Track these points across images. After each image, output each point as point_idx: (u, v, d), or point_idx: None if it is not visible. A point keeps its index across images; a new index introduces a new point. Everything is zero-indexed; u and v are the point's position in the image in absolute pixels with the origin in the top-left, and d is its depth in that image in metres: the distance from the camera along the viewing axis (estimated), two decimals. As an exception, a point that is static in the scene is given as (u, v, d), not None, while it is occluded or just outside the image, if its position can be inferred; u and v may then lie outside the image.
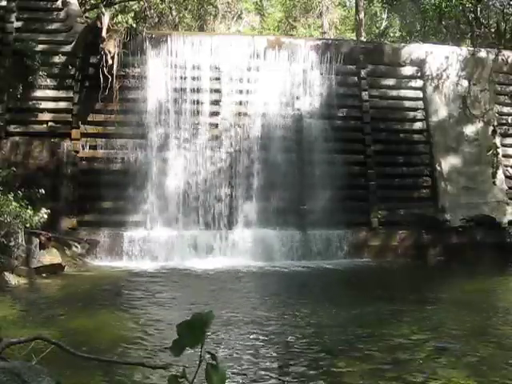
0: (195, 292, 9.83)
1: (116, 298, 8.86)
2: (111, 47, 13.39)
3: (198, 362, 1.60)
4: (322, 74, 14.54)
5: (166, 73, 13.94)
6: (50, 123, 13.56)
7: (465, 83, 15.05)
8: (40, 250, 10.71)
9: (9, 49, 13.50)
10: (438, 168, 14.54)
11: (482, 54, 15.42)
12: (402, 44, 16.94)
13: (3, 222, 10.01)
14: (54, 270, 10.65)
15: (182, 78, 14.03)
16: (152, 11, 23.91)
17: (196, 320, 1.57)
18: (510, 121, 15.41)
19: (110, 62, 13.29)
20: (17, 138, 13.22)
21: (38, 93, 13.51)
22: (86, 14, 17.85)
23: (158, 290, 9.74)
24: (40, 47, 13.51)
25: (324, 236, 13.45)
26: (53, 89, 13.64)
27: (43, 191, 11.15)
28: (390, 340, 6.49)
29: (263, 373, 5.40)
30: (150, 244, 12.74)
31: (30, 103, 13.47)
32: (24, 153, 13.06)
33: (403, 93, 15.06)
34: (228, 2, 27.39)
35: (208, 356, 1.60)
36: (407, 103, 15.10)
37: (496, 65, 15.28)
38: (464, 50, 15.63)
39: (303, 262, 12.74)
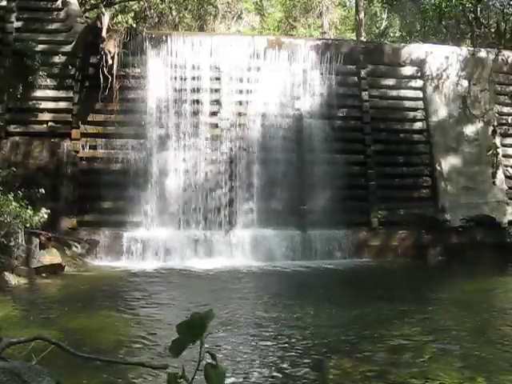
0: (195, 292, 9.82)
1: (116, 298, 8.85)
2: (111, 47, 13.39)
3: (197, 362, 1.60)
4: (321, 74, 14.53)
5: (166, 73, 13.94)
6: (50, 123, 13.55)
7: (465, 83, 15.05)
8: (40, 249, 10.71)
9: (9, 49, 13.50)
10: (438, 168, 14.54)
11: (482, 54, 15.42)
12: (402, 44, 16.93)
13: (3, 222, 10.01)
14: (54, 270, 10.65)
15: (181, 78, 14.02)
16: (152, 11, 23.91)
17: (195, 319, 1.56)
18: (510, 121, 15.41)
19: (110, 61, 13.28)
20: (17, 138, 13.22)
21: (38, 93, 13.51)
22: (86, 14, 17.84)
23: (157, 290, 9.75)
24: (40, 47, 13.51)
25: (324, 236, 13.45)
26: (53, 89, 13.64)
27: (43, 191, 11.15)
28: (391, 340, 6.48)
29: (263, 373, 5.40)
30: (150, 244, 12.74)
31: (30, 103, 13.47)
32: (24, 153, 13.05)
33: (403, 93, 15.06)
34: (228, 2, 27.39)
35: (207, 356, 1.59)
36: (407, 103, 15.10)
37: (496, 65, 15.28)
38: (464, 50, 15.63)
39: (303, 262, 12.73)
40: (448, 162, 14.58)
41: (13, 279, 9.65)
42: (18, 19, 13.76)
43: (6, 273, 9.63)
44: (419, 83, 15.06)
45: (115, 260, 12.36)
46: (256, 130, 14.06)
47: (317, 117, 14.37)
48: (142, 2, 22.32)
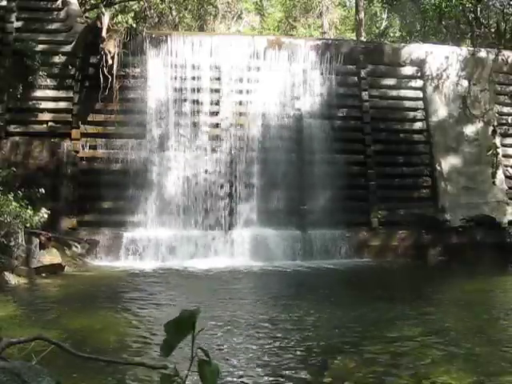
0: (195, 292, 9.82)
1: (116, 298, 8.85)
2: (111, 47, 13.39)
3: (193, 360, 1.60)
4: (322, 74, 14.54)
5: (166, 73, 13.95)
6: (50, 123, 13.56)
7: (465, 83, 15.05)
8: (40, 249, 10.71)
9: (9, 49, 13.51)
10: (438, 168, 14.54)
11: (482, 54, 15.42)
12: (402, 44, 16.94)
13: (3, 222, 10.01)
14: (54, 270, 10.66)
15: (181, 78, 14.03)
16: (152, 11, 23.91)
17: (182, 318, 1.56)
18: (510, 121, 15.42)
19: (110, 61, 13.29)
20: (17, 138, 13.22)
21: (38, 93, 13.51)
22: (86, 14, 17.84)
23: (157, 290, 9.75)
24: (40, 47, 13.51)
25: (324, 236, 13.45)
26: (53, 89, 13.64)
27: (43, 191, 11.16)
28: (391, 340, 6.48)
29: (263, 373, 5.40)
30: (150, 244, 12.74)
31: (30, 103, 13.48)
32: (24, 153, 13.06)
33: (403, 93, 15.06)
34: (228, 2, 27.39)
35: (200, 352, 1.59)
36: (407, 103, 15.11)
37: (496, 65, 15.28)
38: (464, 50, 15.63)
39: (303, 261, 12.73)
40: (448, 162, 14.58)
41: (13, 279, 9.65)
42: (18, 19, 13.77)
43: (5, 273, 9.64)
44: (419, 83, 15.07)
45: (115, 260, 12.36)
46: (256, 130, 14.06)
47: (317, 117, 14.38)
48: (142, 2, 22.33)
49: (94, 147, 13.63)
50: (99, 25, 13.50)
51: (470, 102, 14.84)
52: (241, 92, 14.24)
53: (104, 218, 13.06)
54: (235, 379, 5.16)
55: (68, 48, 13.80)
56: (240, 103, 14.23)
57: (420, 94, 15.06)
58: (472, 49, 15.90)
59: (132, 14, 21.50)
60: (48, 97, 13.57)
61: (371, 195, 14.22)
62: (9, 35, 13.59)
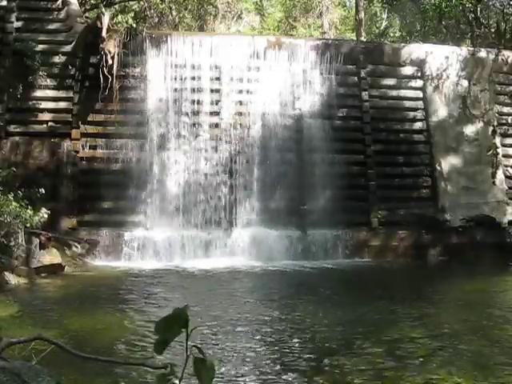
0: (195, 292, 9.82)
1: (116, 299, 8.85)
2: (111, 47, 13.39)
3: (185, 359, 1.60)
4: (321, 74, 14.54)
5: (166, 73, 13.95)
6: (50, 123, 13.55)
7: (465, 83, 15.05)
8: (40, 249, 10.71)
9: (9, 49, 13.50)
10: (438, 168, 14.54)
11: (482, 54, 15.42)
12: (402, 44, 16.93)
13: (3, 222, 10.00)
14: (54, 270, 10.65)
15: (181, 78, 14.03)
16: (152, 11, 23.91)
17: (171, 316, 1.56)
18: (510, 121, 15.41)
19: (110, 61, 13.28)
20: (17, 138, 13.22)
21: (38, 93, 13.51)
22: (86, 14, 17.83)
23: (157, 290, 9.74)
24: (40, 47, 13.51)
25: (324, 236, 13.45)
26: (53, 89, 13.64)
27: (43, 191, 11.15)
28: (391, 340, 6.49)
29: (263, 373, 5.40)
30: (150, 244, 12.74)
31: (30, 103, 13.47)
32: (24, 153, 13.05)
33: (403, 93, 15.06)
34: (228, 2, 27.38)
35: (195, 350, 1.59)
36: (407, 103, 15.10)
37: (496, 65, 15.28)
38: (464, 50, 15.63)
39: (303, 261, 12.72)
40: (448, 162, 14.58)
41: (13, 279, 9.65)
42: (18, 19, 13.76)
43: (6, 273, 9.64)
44: (419, 83, 15.07)
45: (115, 260, 12.35)
46: (256, 130, 14.06)
47: (317, 117, 14.37)
48: (142, 2, 22.32)
49: (94, 147, 13.63)
50: (99, 25, 13.50)
51: (470, 102, 14.84)
52: (241, 92, 14.23)
53: (104, 218, 13.05)
54: (235, 379, 5.16)
55: (68, 48, 13.80)
56: (240, 103, 14.23)
57: (420, 94, 15.06)
58: (472, 49, 15.90)
59: (132, 14, 21.49)
60: (48, 97, 13.57)
61: (371, 195, 14.22)
62: (9, 35, 13.58)
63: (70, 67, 13.74)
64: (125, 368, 5.22)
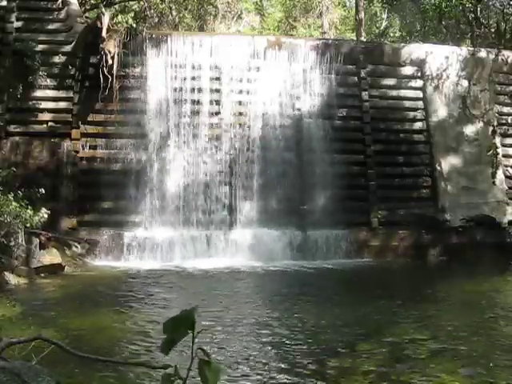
0: (195, 293, 9.82)
1: (116, 299, 8.85)
2: (111, 47, 13.39)
3: (190, 360, 1.60)
4: (321, 74, 14.54)
5: (166, 73, 13.94)
6: (50, 123, 13.55)
7: (465, 83, 15.04)
8: (40, 249, 10.71)
9: (9, 49, 13.50)
10: (438, 168, 14.54)
11: (482, 54, 15.42)
12: (402, 44, 16.93)
13: (3, 222, 10.00)
14: (54, 270, 10.65)
15: (182, 78, 14.03)
16: (152, 11, 23.90)
17: (180, 317, 1.57)
18: (509, 121, 15.41)
19: (110, 61, 13.28)
20: (17, 138, 13.22)
21: (38, 93, 13.50)
22: (86, 14, 17.84)
23: (157, 290, 9.75)
24: (40, 47, 13.50)
25: (324, 236, 13.44)
26: (53, 89, 13.64)
27: (43, 191, 11.15)
28: (391, 340, 6.48)
29: (264, 373, 5.40)
30: (150, 244, 12.73)
31: (30, 103, 13.47)
32: (24, 153, 13.05)
33: (403, 93, 15.06)
34: (228, 2, 27.38)
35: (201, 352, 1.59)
36: (407, 103, 15.10)
37: (496, 65, 15.28)
38: (464, 50, 15.63)
39: (303, 261, 12.72)
40: (448, 162, 14.58)
41: (13, 279, 9.65)
42: (18, 19, 13.76)
43: (6, 273, 9.63)
44: (419, 83, 15.06)
45: (115, 260, 12.35)
46: (256, 130, 14.06)
47: (317, 117, 14.38)
48: (142, 2, 22.32)
49: (94, 147, 13.63)
50: (99, 25, 13.49)
51: (470, 102, 14.84)
52: (241, 92, 14.23)
53: (104, 218, 13.05)
54: (235, 379, 5.15)
55: (68, 48, 13.80)
56: (240, 103, 14.23)
57: (420, 94, 15.06)
58: (472, 49, 15.90)
59: (132, 14, 21.50)
60: (48, 97, 13.57)
61: (371, 195, 14.22)
62: (9, 35, 13.58)
63: (70, 67, 13.73)
64: (125, 368, 5.22)
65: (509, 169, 14.94)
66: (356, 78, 14.87)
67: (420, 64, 15.05)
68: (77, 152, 13.38)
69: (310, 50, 14.54)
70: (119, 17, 20.40)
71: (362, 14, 23.90)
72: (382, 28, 27.41)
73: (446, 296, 9.51)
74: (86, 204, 13.18)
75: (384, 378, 5.24)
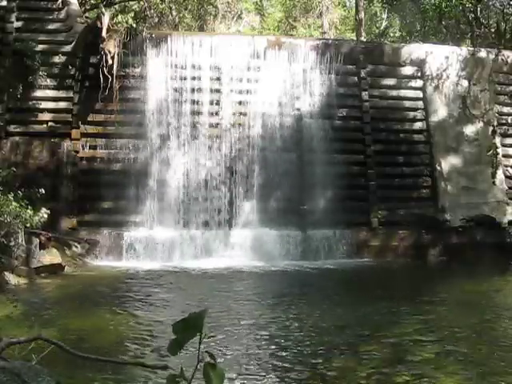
0: (195, 293, 9.82)
1: (116, 299, 8.85)
2: (111, 47, 13.39)
3: (196, 362, 1.60)
4: (321, 74, 14.54)
5: (166, 73, 13.94)
6: (50, 123, 13.56)
7: (465, 83, 15.04)
8: (40, 249, 10.71)
9: (9, 49, 13.50)
10: (438, 168, 14.54)
11: (482, 54, 15.41)
12: (402, 44, 16.94)
13: (3, 222, 10.00)
14: (54, 270, 10.65)
15: (181, 78, 14.03)
16: (152, 11, 23.90)
17: (190, 319, 1.57)
18: (509, 121, 15.41)
19: (110, 61, 13.28)
20: (17, 138, 13.22)
21: (38, 93, 13.50)
22: (86, 14, 17.83)
23: (157, 290, 9.74)
24: (40, 47, 13.51)
25: (324, 236, 13.44)
26: (53, 89, 13.64)
27: (43, 191, 11.14)
28: (391, 340, 6.48)
29: (264, 373, 5.40)
30: (150, 244, 12.73)
31: (30, 103, 13.47)
32: (24, 153, 13.05)
33: (403, 93, 15.06)
34: (228, 2, 27.38)
35: (206, 355, 1.60)
36: (407, 103, 15.10)
37: (496, 65, 15.28)
38: (464, 50, 15.63)
39: (303, 262, 12.73)
40: (448, 162, 14.58)
41: (13, 279, 9.65)
42: (18, 19, 13.76)
43: (6, 273, 9.63)
44: (419, 83, 15.06)
45: (115, 260, 12.35)
46: (256, 130, 14.06)
47: (317, 117, 14.38)
48: (142, 2, 22.32)
49: (94, 147, 13.63)
50: (99, 25, 13.49)
51: (470, 102, 14.84)
52: (241, 92, 14.23)
53: (104, 218, 13.06)
54: (234, 379, 5.15)
55: (68, 48, 13.80)
56: (240, 103, 14.23)
57: (420, 94, 15.06)
58: (472, 49, 15.89)
59: (132, 14, 21.48)
60: (48, 97, 13.57)
61: (371, 195, 14.22)
62: (9, 35, 13.58)
63: (70, 67, 13.73)
64: (124, 368, 5.21)
65: (509, 169, 14.95)
66: (356, 78, 14.87)
67: (420, 64, 15.05)
68: (77, 152, 13.38)
69: (309, 50, 14.54)
70: (119, 17, 20.38)
71: (362, 14, 23.90)
72: (382, 28, 27.41)
73: (446, 296, 9.51)
74: (86, 204, 13.18)
75: (384, 378, 5.24)
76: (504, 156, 14.85)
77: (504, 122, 15.33)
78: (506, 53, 15.63)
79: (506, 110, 15.47)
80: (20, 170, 12.42)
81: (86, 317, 7.43)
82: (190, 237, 13.02)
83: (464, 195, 14.34)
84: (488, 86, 15.06)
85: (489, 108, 14.93)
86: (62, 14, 14.02)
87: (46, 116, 13.57)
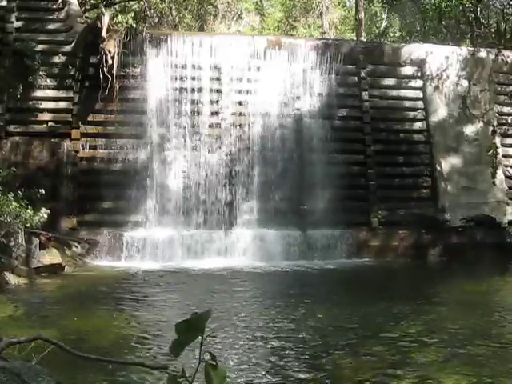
0: (195, 293, 9.82)
1: (116, 299, 8.85)
2: (111, 47, 13.39)
3: (197, 363, 1.60)
4: (321, 74, 14.54)
5: (166, 73, 13.94)
6: (50, 123, 13.55)
7: (465, 83, 15.04)
8: (40, 249, 10.71)
9: (9, 49, 13.50)
10: (438, 168, 14.54)
11: (482, 54, 15.41)
12: (402, 44, 16.94)
13: (3, 222, 10.00)
14: (54, 270, 10.65)
15: (181, 78, 14.03)
16: (152, 11, 23.90)
17: (193, 319, 1.57)
18: (509, 121, 15.41)
19: (110, 61, 13.28)
20: (17, 138, 13.22)
21: (38, 93, 13.50)
22: (86, 14, 17.83)
23: (157, 290, 9.74)
24: (40, 47, 13.50)
25: (324, 236, 13.45)
26: (53, 89, 13.64)
27: (43, 191, 11.14)
28: (392, 340, 6.48)
29: (264, 374, 5.40)
30: (150, 244, 12.73)
31: (30, 103, 13.47)
32: (24, 153, 13.05)
33: (403, 93, 15.06)
34: (228, 2, 27.38)
35: (208, 356, 1.60)
36: (407, 103, 15.10)
37: (496, 65, 15.28)
38: (464, 50, 15.63)
39: (303, 262, 12.73)
40: (448, 162, 14.58)
41: (13, 279, 9.64)
42: (18, 19, 13.76)
43: (6, 273, 9.63)
44: (419, 83, 15.06)
45: (115, 260, 12.36)
46: (256, 130, 14.06)
47: (317, 117, 14.38)
48: (142, 2, 22.32)
49: (93, 147, 13.63)
50: (99, 25, 13.49)
51: (470, 102, 14.84)
52: (241, 92, 14.23)
53: (104, 218, 13.05)
54: (234, 380, 5.15)
55: (68, 48, 13.79)
56: (240, 103, 14.23)
57: (420, 94, 15.06)
58: (472, 49, 15.90)
59: (132, 14, 21.49)
60: (48, 97, 13.57)
61: (371, 195, 14.22)
62: (9, 35, 13.58)
63: (70, 67, 13.73)
64: (124, 368, 5.21)
65: (509, 169, 14.95)
66: (356, 78, 14.87)
67: (420, 64, 15.05)
68: (77, 152, 13.38)
69: (309, 50, 14.54)
70: (119, 17, 20.39)
71: (362, 14, 23.90)
72: (382, 28, 27.41)
73: (446, 296, 9.51)
74: (86, 204, 13.18)
75: (384, 378, 5.24)
76: (504, 156, 14.85)
77: (504, 122, 15.33)
78: (506, 53, 15.63)
79: (506, 110, 15.48)
80: (20, 170, 12.42)
81: (86, 317, 7.42)
82: (190, 237, 13.02)
83: (464, 195, 14.34)
84: (488, 86, 15.06)
85: (489, 108, 14.93)
86: (62, 14, 14.01)
87: (46, 116, 13.57)
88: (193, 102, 13.95)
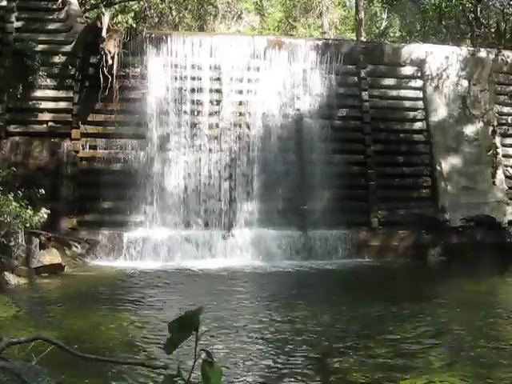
0: (195, 293, 9.82)
1: (116, 299, 8.84)
2: (111, 47, 13.39)
3: (194, 360, 1.60)
4: (322, 74, 14.54)
5: (166, 73, 13.95)
6: (50, 123, 13.56)
7: (465, 83, 15.05)
8: (40, 249, 10.70)
9: (9, 49, 13.50)
10: (438, 168, 14.54)
11: (482, 54, 15.42)
12: (402, 44, 16.94)
13: (3, 222, 10.00)
14: (54, 270, 10.65)
15: (181, 78, 14.03)
16: (152, 11, 23.91)
17: (187, 317, 1.57)
18: (509, 121, 15.41)
19: (110, 61, 13.29)
20: (17, 138, 13.22)
21: (38, 93, 13.51)
22: (86, 14, 17.83)
23: (157, 290, 9.73)
24: (40, 47, 13.51)
25: (324, 236, 13.45)
26: (53, 89, 13.64)
27: (43, 191, 11.14)
28: (392, 340, 6.47)
29: (264, 374, 5.40)
30: (150, 244, 12.74)
31: (30, 103, 13.48)
32: (24, 153, 13.06)
33: (403, 93, 15.06)
34: (228, 2, 27.39)
35: (204, 354, 1.59)
36: (407, 103, 15.11)
37: (496, 65, 15.28)
38: (464, 50, 15.63)
39: (303, 262, 12.72)
40: (448, 162, 14.58)
41: (13, 279, 9.64)
42: (18, 19, 13.76)
43: (6, 273, 9.63)
44: (419, 83, 15.07)
45: (115, 260, 12.36)
46: (256, 130, 14.06)
47: (317, 117, 14.38)
48: (142, 2, 22.33)
49: (93, 147, 13.63)
50: (99, 25, 13.50)
51: (470, 102, 14.84)
52: (241, 92, 14.24)
53: (104, 218, 13.06)
54: (234, 380, 5.15)
55: (68, 48, 13.80)
56: (240, 103, 14.24)
57: (420, 94, 15.06)
58: (472, 49, 15.90)
59: (132, 14, 21.49)
60: (48, 97, 13.57)
61: (371, 195, 14.22)
62: (9, 35, 13.58)
63: (70, 67, 13.74)
64: (124, 368, 5.21)
65: (509, 169, 14.95)
66: (356, 78, 14.87)
67: (420, 64, 15.05)
68: (77, 152, 13.39)
69: (310, 50, 14.54)
70: (119, 17, 20.40)
71: (362, 14, 23.92)
72: (382, 28, 27.42)
73: (446, 296, 9.50)
74: (86, 204, 13.18)
75: (384, 378, 5.23)
76: (504, 156, 14.85)
77: (504, 122, 15.33)
78: (506, 53, 15.64)
79: (506, 110, 15.48)
80: (20, 169, 12.42)
81: (85, 317, 7.42)
82: (190, 237, 13.02)
83: (464, 195, 14.34)
84: (488, 86, 15.06)
85: (489, 108, 14.93)
86: (62, 14, 14.02)
87: (46, 116, 13.57)
88: (193, 101, 13.95)
